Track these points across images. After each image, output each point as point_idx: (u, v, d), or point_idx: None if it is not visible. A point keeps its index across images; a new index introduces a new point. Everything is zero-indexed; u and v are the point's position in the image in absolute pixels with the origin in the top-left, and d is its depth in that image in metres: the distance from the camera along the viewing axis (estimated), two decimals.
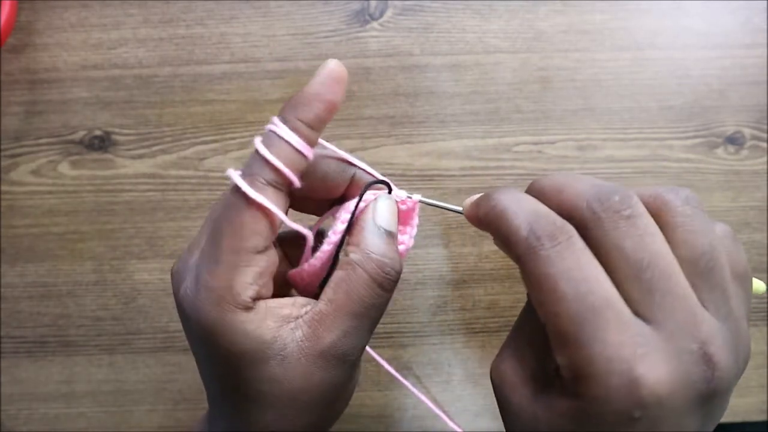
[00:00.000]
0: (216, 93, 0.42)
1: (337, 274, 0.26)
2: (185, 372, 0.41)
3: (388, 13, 0.43)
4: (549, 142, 0.42)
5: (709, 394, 0.21)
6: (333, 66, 0.25)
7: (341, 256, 0.26)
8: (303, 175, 0.26)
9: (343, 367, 0.26)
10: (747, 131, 0.43)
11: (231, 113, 0.42)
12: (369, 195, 0.27)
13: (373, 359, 0.40)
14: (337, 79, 0.25)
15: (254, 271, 0.25)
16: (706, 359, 0.21)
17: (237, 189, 0.24)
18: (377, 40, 0.43)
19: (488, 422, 0.41)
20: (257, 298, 0.25)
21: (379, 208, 0.27)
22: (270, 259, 0.25)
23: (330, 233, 0.27)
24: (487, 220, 0.24)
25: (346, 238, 0.27)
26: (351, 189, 0.28)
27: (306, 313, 0.26)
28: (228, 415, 0.27)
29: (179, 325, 0.27)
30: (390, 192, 0.28)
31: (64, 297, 0.41)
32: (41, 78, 0.42)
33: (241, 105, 0.42)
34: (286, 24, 0.43)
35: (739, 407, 0.41)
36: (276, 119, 0.25)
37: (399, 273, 0.26)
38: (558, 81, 0.43)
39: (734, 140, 0.43)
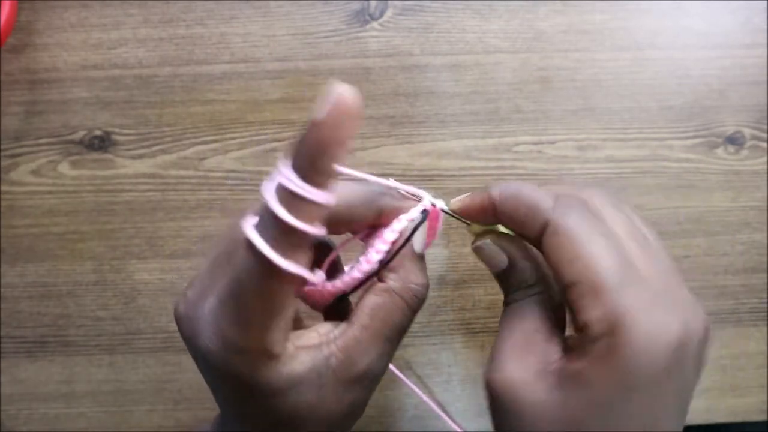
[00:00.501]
0: (216, 93, 0.42)
1: (373, 300, 0.26)
2: (185, 372, 0.41)
3: (388, 13, 0.43)
4: (549, 142, 0.42)
5: (704, 338, 0.25)
6: (348, 98, 0.20)
7: (375, 280, 0.26)
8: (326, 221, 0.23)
9: (374, 386, 0.27)
10: (747, 131, 0.43)
11: (231, 113, 0.42)
12: (403, 221, 0.26)
13: None
14: (355, 115, 0.20)
15: (283, 326, 0.23)
16: (698, 306, 0.25)
17: (259, 252, 0.21)
18: (377, 40, 0.43)
19: (488, 422, 0.41)
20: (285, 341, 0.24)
21: (419, 234, 0.27)
22: (296, 307, 0.25)
23: (363, 261, 0.26)
24: (505, 197, 0.26)
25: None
26: (381, 219, 0.27)
27: (336, 338, 0.25)
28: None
29: None
30: (424, 213, 0.27)
31: (64, 297, 0.41)
32: (41, 78, 0.42)
33: (241, 105, 0.42)
34: (286, 24, 0.43)
35: (739, 407, 0.41)
36: (289, 172, 0.21)
37: (425, 297, 0.27)
38: (558, 81, 0.43)
39: (734, 140, 0.43)
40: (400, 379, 0.40)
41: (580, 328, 0.23)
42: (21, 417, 0.41)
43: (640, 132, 0.43)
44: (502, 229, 0.28)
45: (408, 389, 0.40)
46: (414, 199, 0.27)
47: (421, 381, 0.41)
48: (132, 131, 0.42)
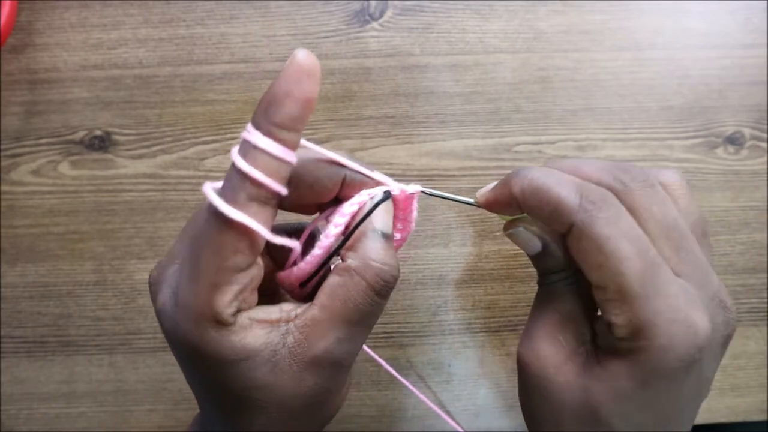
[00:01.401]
0: (216, 93, 0.42)
1: (333, 280, 0.25)
2: None
3: (388, 13, 0.43)
4: (549, 142, 0.42)
5: (728, 335, 0.25)
6: (301, 58, 0.22)
7: (337, 260, 0.26)
8: (289, 182, 0.24)
9: (336, 373, 0.25)
10: (747, 131, 0.43)
11: (231, 113, 0.42)
12: (364, 195, 0.26)
13: (372, 359, 0.40)
14: (308, 73, 0.22)
15: (235, 289, 0.23)
16: (723, 306, 0.24)
17: (211, 204, 0.22)
18: (377, 40, 0.43)
19: (488, 422, 0.41)
20: (239, 312, 0.24)
21: (379, 212, 0.26)
22: (253, 274, 0.24)
23: (322, 237, 0.26)
24: (527, 195, 0.25)
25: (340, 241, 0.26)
26: (343, 191, 0.26)
27: (297, 317, 0.25)
28: (218, 419, 0.27)
29: None
30: (387, 192, 0.26)
31: (64, 297, 0.41)
32: (41, 78, 0.42)
33: (241, 105, 0.42)
34: (286, 24, 0.43)
35: (739, 407, 0.41)
36: (249, 126, 0.22)
37: (397, 279, 0.25)
38: (558, 81, 0.43)
39: (734, 140, 0.43)
40: (400, 379, 0.40)
41: (607, 324, 0.24)
42: (21, 417, 0.41)
43: (640, 132, 0.43)
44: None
45: (408, 389, 0.40)
46: (384, 185, 0.27)
47: (421, 381, 0.41)
48: (132, 131, 0.42)
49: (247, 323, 0.24)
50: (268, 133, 0.22)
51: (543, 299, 0.28)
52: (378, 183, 0.27)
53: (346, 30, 0.43)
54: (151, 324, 0.41)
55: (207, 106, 0.42)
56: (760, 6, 0.43)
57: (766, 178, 0.43)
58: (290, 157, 0.23)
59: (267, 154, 0.22)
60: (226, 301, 0.23)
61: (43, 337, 0.41)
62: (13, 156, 0.42)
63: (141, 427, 0.41)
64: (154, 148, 0.42)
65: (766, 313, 0.42)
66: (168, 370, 0.41)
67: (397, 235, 0.28)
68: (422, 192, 0.28)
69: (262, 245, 0.23)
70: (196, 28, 0.43)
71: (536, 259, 0.28)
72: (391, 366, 0.39)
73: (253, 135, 0.22)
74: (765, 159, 0.43)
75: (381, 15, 0.43)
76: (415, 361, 0.41)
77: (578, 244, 0.24)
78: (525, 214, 0.28)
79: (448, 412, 0.41)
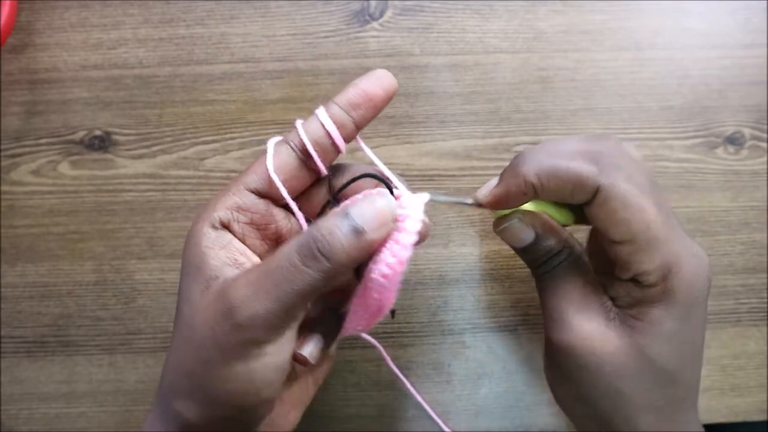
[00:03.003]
0: (216, 93, 0.42)
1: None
2: None
3: (388, 13, 0.43)
4: None
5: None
6: (381, 72, 0.28)
7: None
8: (341, 178, 0.29)
9: (226, 324, 0.25)
10: (747, 131, 0.43)
11: (231, 113, 0.42)
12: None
13: (373, 359, 0.40)
14: (379, 79, 0.27)
15: (234, 200, 0.27)
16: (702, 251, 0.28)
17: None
18: (377, 40, 0.43)
19: (488, 422, 0.41)
20: (228, 228, 0.27)
21: (363, 201, 0.25)
22: (255, 202, 0.28)
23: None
24: (545, 178, 0.26)
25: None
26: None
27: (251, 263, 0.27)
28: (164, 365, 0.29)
29: None
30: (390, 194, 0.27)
31: (64, 297, 0.41)
32: (41, 78, 0.42)
33: (241, 105, 0.42)
34: (286, 24, 0.43)
35: (739, 407, 0.41)
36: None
37: (328, 256, 0.24)
38: (558, 81, 0.43)
39: (734, 140, 0.43)
40: (400, 379, 0.40)
41: (634, 277, 0.27)
42: (21, 417, 0.41)
43: (640, 132, 0.43)
44: (524, 207, 0.29)
45: (408, 389, 0.40)
46: (395, 187, 0.28)
47: (421, 381, 0.41)
48: (132, 131, 0.42)
49: (223, 241, 0.27)
50: (326, 107, 0.27)
51: (554, 284, 0.29)
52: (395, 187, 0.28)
53: (346, 30, 0.43)
54: (151, 324, 0.41)
55: (207, 106, 0.42)
56: (760, 6, 0.43)
57: (766, 178, 0.43)
58: (330, 126, 0.27)
59: (318, 122, 0.27)
60: (223, 204, 0.27)
61: (43, 337, 0.41)
62: (13, 156, 0.42)
63: (141, 427, 0.41)
64: (154, 148, 0.42)
65: (766, 313, 0.42)
66: None
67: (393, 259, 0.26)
68: (431, 199, 0.27)
69: (269, 175, 0.27)
70: (196, 28, 0.43)
71: (527, 250, 0.30)
72: (392, 366, 0.39)
73: (319, 109, 0.28)
74: (765, 159, 0.43)
75: (381, 15, 0.43)
76: (415, 361, 0.41)
77: (605, 206, 0.26)
78: (518, 208, 0.29)
79: (447, 413, 0.41)
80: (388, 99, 0.27)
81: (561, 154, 0.26)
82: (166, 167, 0.42)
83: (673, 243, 0.26)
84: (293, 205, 0.28)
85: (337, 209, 0.26)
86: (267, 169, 0.27)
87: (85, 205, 0.42)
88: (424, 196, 0.27)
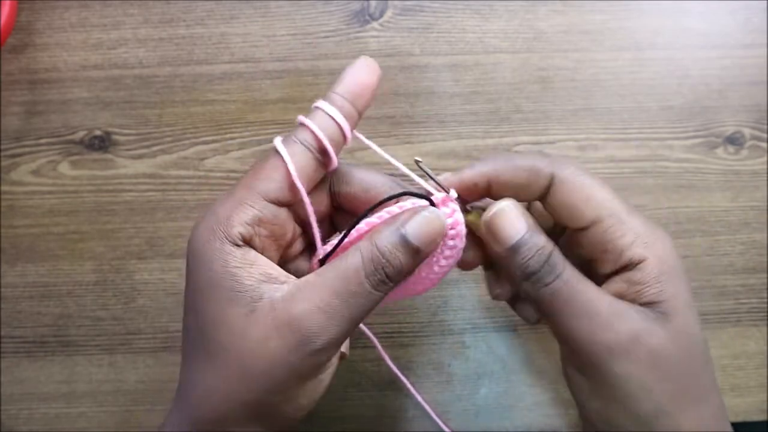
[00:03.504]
0: (216, 93, 0.42)
1: (341, 255, 0.26)
2: None
3: (388, 13, 0.43)
4: (549, 142, 0.42)
5: None
6: (365, 59, 0.28)
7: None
8: (346, 181, 0.28)
9: (303, 352, 0.24)
10: (747, 131, 0.43)
11: (231, 113, 0.42)
12: (408, 203, 0.27)
13: (373, 359, 0.40)
14: (368, 67, 0.28)
15: (254, 213, 0.25)
16: None
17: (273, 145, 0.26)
18: (377, 40, 0.43)
19: (488, 422, 0.41)
20: (250, 243, 0.25)
21: (415, 218, 0.26)
22: (276, 213, 0.26)
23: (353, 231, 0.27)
24: (501, 169, 0.28)
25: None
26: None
27: (292, 279, 0.26)
28: (184, 365, 0.27)
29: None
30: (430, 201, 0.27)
31: (64, 297, 0.41)
32: (41, 78, 0.42)
33: (241, 105, 0.42)
34: (286, 24, 0.43)
35: (739, 407, 0.41)
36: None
37: (393, 279, 0.25)
38: (558, 81, 0.43)
39: (734, 140, 0.43)
40: (400, 379, 0.40)
41: (620, 258, 0.26)
42: (21, 417, 0.41)
43: (640, 132, 0.43)
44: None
45: (408, 389, 0.40)
46: (438, 189, 0.28)
47: (421, 381, 0.41)
48: (132, 131, 0.42)
49: (251, 258, 0.25)
50: (327, 98, 0.27)
51: (571, 289, 0.26)
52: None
53: (346, 30, 0.43)
54: (151, 324, 0.41)
55: (207, 106, 0.42)
56: (760, 6, 0.43)
57: (766, 178, 0.43)
58: (339, 118, 0.26)
59: (321, 111, 0.26)
60: (242, 219, 0.25)
61: (43, 337, 0.41)
62: (13, 156, 0.42)
63: (141, 427, 0.41)
64: (154, 148, 0.42)
65: (766, 313, 0.42)
66: (168, 370, 0.41)
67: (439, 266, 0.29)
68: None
69: (289, 183, 0.26)
70: (196, 28, 0.43)
71: (517, 250, 0.26)
72: (392, 365, 0.39)
73: (319, 101, 0.27)
74: (765, 159, 0.43)
75: (381, 15, 0.43)
76: (415, 361, 0.41)
77: (563, 191, 0.27)
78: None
79: (447, 413, 0.41)
80: (378, 85, 0.28)
81: (516, 154, 0.29)
82: (166, 167, 0.42)
83: (636, 216, 0.27)
84: (313, 218, 0.27)
85: (392, 223, 0.26)
86: (285, 176, 0.26)
87: (85, 205, 0.42)
88: (453, 194, 0.28)
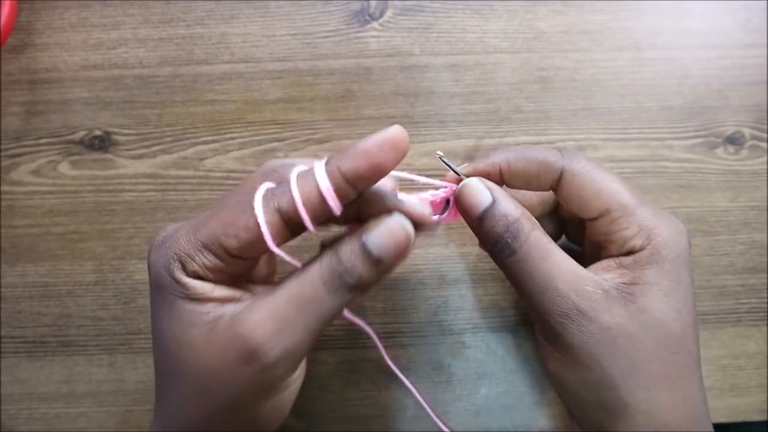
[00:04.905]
0: (216, 93, 0.42)
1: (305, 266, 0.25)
2: None
3: (388, 13, 0.43)
4: (549, 142, 0.42)
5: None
6: (394, 131, 0.25)
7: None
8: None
9: (255, 367, 0.24)
10: (747, 131, 0.43)
11: (231, 113, 0.42)
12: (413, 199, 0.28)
13: (373, 359, 0.40)
14: (394, 145, 0.25)
15: (214, 262, 0.24)
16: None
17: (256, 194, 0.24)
18: (377, 40, 0.43)
19: (488, 422, 0.41)
20: (201, 277, 0.25)
21: (378, 227, 0.25)
22: (237, 263, 0.25)
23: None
24: (513, 162, 0.29)
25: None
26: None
27: (257, 293, 0.25)
28: (156, 386, 0.27)
29: None
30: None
31: (64, 297, 0.41)
32: (41, 78, 0.42)
33: (241, 105, 0.42)
34: (286, 24, 0.43)
35: (739, 407, 0.41)
36: (322, 160, 0.24)
37: (354, 288, 0.24)
38: (558, 81, 0.43)
39: (734, 140, 0.43)
40: (400, 378, 0.40)
41: (622, 248, 0.28)
42: (21, 417, 0.41)
43: (640, 132, 0.43)
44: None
45: (408, 389, 0.40)
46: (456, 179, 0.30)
47: (421, 381, 0.41)
48: (132, 131, 0.42)
49: (210, 287, 0.25)
50: (328, 171, 0.24)
51: (531, 263, 0.27)
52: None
53: (346, 30, 0.43)
54: (151, 324, 0.41)
55: (207, 106, 0.42)
56: (760, 6, 0.43)
57: (766, 178, 0.43)
58: (333, 201, 0.24)
59: (315, 187, 0.23)
60: (202, 262, 0.24)
61: (43, 337, 0.41)
62: (13, 156, 0.42)
63: (141, 427, 0.41)
64: (154, 148, 0.42)
65: (766, 313, 0.42)
66: None
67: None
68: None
69: (259, 247, 0.24)
70: (196, 28, 0.43)
71: (484, 219, 0.28)
72: (392, 365, 0.39)
73: (318, 166, 0.24)
74: (765, 159, 0.43)
75: (381, 15, 0.43)
76: (415, 361, 0.41)
77: (574, 183, 0.28)
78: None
79: (447, 413, 0.41)
80: (398, 163, 0.25)
81: (530, 147, 0.31)
82: (166, 167, 0.42)
83: (646, 209, 0.28)
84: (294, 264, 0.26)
85: (354, 236, 0.25)
86: (254, 237, 0.24)
87: (85, 205, 0.42)
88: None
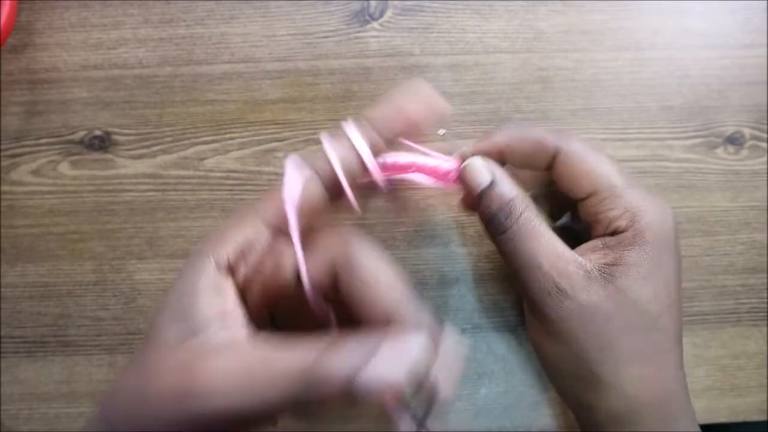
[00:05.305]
0: (216, 93, 0.42)
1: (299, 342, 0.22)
2: None
3: (388, 13, 0.43)
4: None
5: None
6: (419, 85, 0.28)
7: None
8: (348, 269, 0.24)
9: (188, 407, 0.21)
10: (747, 131, 0.43)
11: (231, 113, 0.42)
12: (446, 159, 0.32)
13: None
14: (416, 94, 0.27)
15: (248, 233, 0.26)
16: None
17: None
18: (377, 40, 0.43)
19: (488, 422, 0.41)
20: (233, 272, 0.25)
21: (372, 371, 0.20)
22: (268, 240, 0.26)
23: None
24: (513, 139, 0.31)
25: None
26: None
27: (245, 329, 0.24)
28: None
29: None
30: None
31: (64, 297, 0.41)
32: (41, 78, 0.42)
33: (241, 105, 0.42)
34: (286, 24, 0.43)
35: (739, 407, 0.41)
36: (352, 118, 0.27)
37: (320, 404, 0.22)
38: (558, 81, 0.43)
39: (734, 140, 0.43)
40: None
41: (608, 228, 0.29)
42: (21, 417, 0.41)
43: (640, 132, 0.43)
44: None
45: None
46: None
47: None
48: (132, 131, 0.42)
49: (220, 288, 0.25)
50: (356, 119, 0.27)
51: (521, 241, 0.29)
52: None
53: (346, 30, 0.43)
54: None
55: (207, 106, 0.42)
56: (760, 6, 0.43)
57: (766, 178, 0.43)
58: (364, 150, 0.26)
59: (348, 141, 0.26)
60: (235, 238, 0.25)
61: (43, 337, 0.41)
62: (13, 156, 0.42)
63: None
64: (154, 148, 0.42)
65: (766, 313, 0.42)
66: None
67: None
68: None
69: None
70: (196, 28, 0.43)
71: (483, 198, 0.30)
72: None
73: (347, 123, 0.27)
74: (765, 159, 0.43)
75: (381, 15, 0.43)
76: None
77: (567, 162, 0.30)
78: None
79: (447, 413, 0.41)
80: (424, 112, 0.27)
81: (529, 126, 0.31)
82: (166, 167, 0.42)
83: (634, 191, 0.29)
84: (300, 257, 0.25)
85: (353, 354, 0.21)
86: (283, 202, 0.25)
87: (85, 205, 0.42)
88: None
